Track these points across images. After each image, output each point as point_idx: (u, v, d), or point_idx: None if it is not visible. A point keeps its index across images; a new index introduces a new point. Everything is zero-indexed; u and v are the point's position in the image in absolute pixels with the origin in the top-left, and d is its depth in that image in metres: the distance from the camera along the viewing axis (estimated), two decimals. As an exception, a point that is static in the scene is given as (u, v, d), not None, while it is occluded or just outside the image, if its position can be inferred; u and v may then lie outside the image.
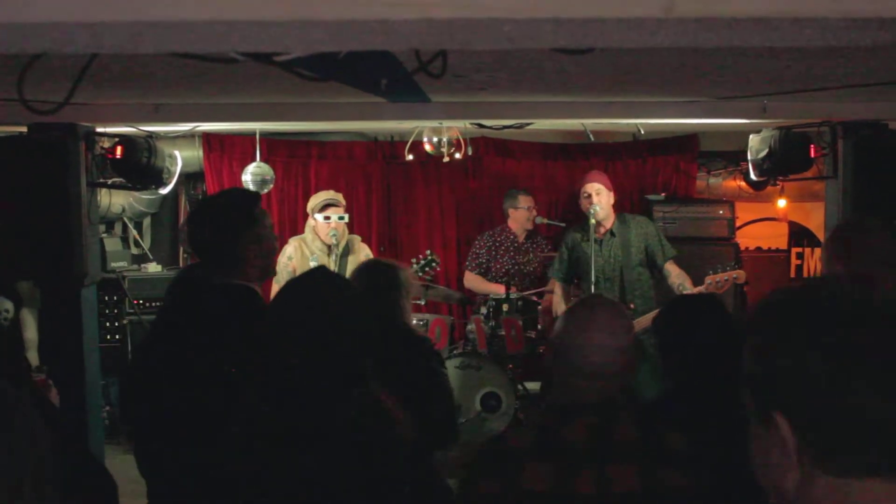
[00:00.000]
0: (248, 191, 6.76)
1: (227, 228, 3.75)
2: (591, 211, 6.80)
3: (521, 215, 8.19)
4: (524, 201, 8.21)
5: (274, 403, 2.85)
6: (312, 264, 6.69)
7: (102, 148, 6.37)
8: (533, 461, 2.70)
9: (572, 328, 2.86)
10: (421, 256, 7.39)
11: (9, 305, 6.75)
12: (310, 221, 7.00)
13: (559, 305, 7.19)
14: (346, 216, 6.90)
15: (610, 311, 2.93)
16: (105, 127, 6.46)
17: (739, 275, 6.49)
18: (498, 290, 7.83)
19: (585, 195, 6.94)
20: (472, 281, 8.30)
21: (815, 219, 8.73)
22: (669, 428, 2.80)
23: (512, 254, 8.18)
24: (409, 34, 1.87)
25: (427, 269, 7.29)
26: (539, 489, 2.67)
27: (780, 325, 1.43)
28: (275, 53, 2.22)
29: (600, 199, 6.89)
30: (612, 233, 6.96)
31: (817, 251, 8.94)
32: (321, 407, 2.80)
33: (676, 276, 6.75)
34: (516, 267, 8.12)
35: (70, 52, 2.04)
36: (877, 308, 1.36)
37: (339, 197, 7.07)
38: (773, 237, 9.51)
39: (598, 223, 6.91)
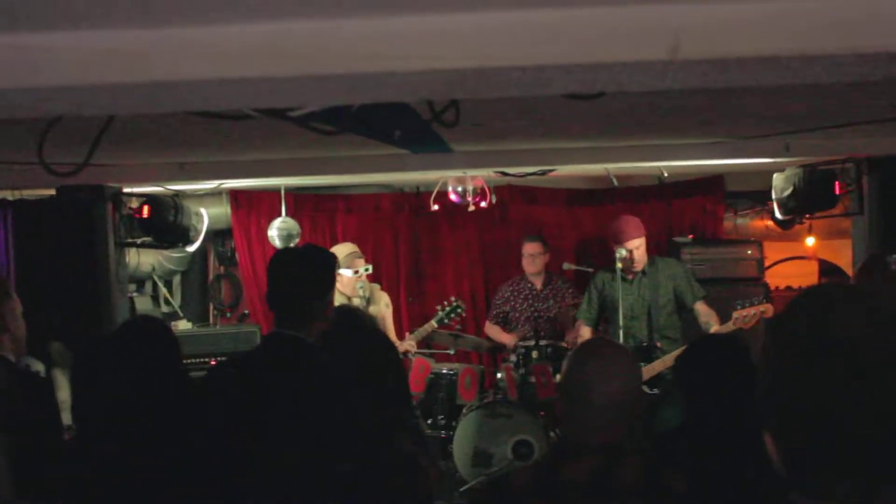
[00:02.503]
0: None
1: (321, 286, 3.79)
2: (618, 256, 6.75)
3: (524, 262, 8.16)
4: (528, 248, 8.14)
5: (301, 459, 2.85)
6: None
7: (130, 208, 6.45)
8: (533, 499, 2.70)
9: (579, 364, 2.88)
10: (446, 303, 7.37)
11: (40, 367, 6.77)
12: (331, 276, 6.97)
13: None
14: (370, 267, 6.92)
15: (615, 347, 2.98)
16: (132, 187, 6.53)
17: (767, 308, 6.39)
18: (509, 340, 7.87)
19: (626, 252, 6.87)
20: (490, 331, 8.34)
21: (844, 256, 8.65)
22: (675, 466, 2.79)
23: (531, 301, 8.14)
24: (418, 85, 1.89)
25: (452, 315, 7.26)
26: None
27: (765, 348, 1.50)
28: (288, 109, 2.24)
29: (640, 253, 6.86)
30: (643, 272, 6.93)
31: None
32: (350, 464, 2.79)
33: (704, 315, 6.71)
34: (536, 314, 8.07)
35: (87, 114, 2.07)
36: (842, 341, 1.40)
37: (358, 249, 7.10)
38: (803, 276, 9.44)
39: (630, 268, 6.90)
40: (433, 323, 7.15)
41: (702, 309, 6.80)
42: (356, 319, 3.96)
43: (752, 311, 6.36)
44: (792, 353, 1.42)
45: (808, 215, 6.91)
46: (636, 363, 2.98)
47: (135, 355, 3.33)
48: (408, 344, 7.11)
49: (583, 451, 2.76)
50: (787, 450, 1.42)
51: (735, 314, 6.43)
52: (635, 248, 6.87)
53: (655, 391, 6.41)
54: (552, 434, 7.40)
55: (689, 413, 3.77)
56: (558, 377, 3.09)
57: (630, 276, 6.92)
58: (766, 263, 8.72)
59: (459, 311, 7.32)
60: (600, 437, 2.77)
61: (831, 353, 1.39)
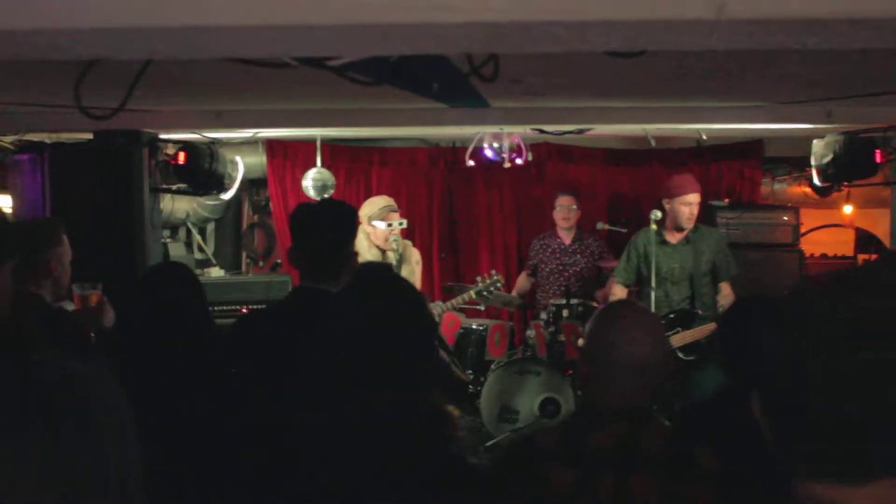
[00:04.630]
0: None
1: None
2: (653, 217, 6.66)
3: (557, 215, 8.14)
4: (562, 200, 8.13)
5: (325, 409, 2.85)
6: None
7: (166, 154, 6.46)
8: (558, 463, 2.69)
9: (607, 325, 2.84)
10: (486, 275, 7.36)
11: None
12: (364, 227, 6.84)
13: None
14: (405, 221, 6.88)
15: (639, 309, 2.94)
16: (169, 133, 6.54)
17: None
18: (515, 297, 8.08)
19: (686, 203, 6.78)
20: (519, 283, 8.51)
21: (882, 225, 8.56)
22: (703, 436, 2.75)
23: (558, 255, 8.13)
24: (459, 38, 1.86)
25: (492, 288, 7.29)
26: (562, 491, 2.67)
27: (752, 318, 1.45)
28: (326, 58, 2.23)
29: (696, 209, 6.76)
30: (687, 239, 6.83)
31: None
32: (376, 413, 2.79)
33: (724, 297, 6.65)
34: (561, 268, 8.07)
35: (123, 58, 2.06)
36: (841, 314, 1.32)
37: (394, 202, 7.08)
38: (838, 244, 9.36)
39: (679, 228, 6.82)
40: (472, 293, 7.17)
41: (725, 289, 6.75)
42: (383, 270, 3.96)
43: None
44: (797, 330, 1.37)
45: (846, 183, 6.82)
46: (661, 326, 2.91)
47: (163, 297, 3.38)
48: (438, 308, 7.12)
49: (609, 416, 2.73)
50: (779, 426, 1.37)
51: None
52: (696, 202, 6.79)
53: (692, 358, 6.39)
54: (579, 393, 7.40)
55: (728, 374, 3.65)
56: (580, 341, 3.05)
57: (674, 240, 6.84)
58: (802, 230, 8.64)
59: (499, 285, 7.35)
60: (625, 401, 2.74)
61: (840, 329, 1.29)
